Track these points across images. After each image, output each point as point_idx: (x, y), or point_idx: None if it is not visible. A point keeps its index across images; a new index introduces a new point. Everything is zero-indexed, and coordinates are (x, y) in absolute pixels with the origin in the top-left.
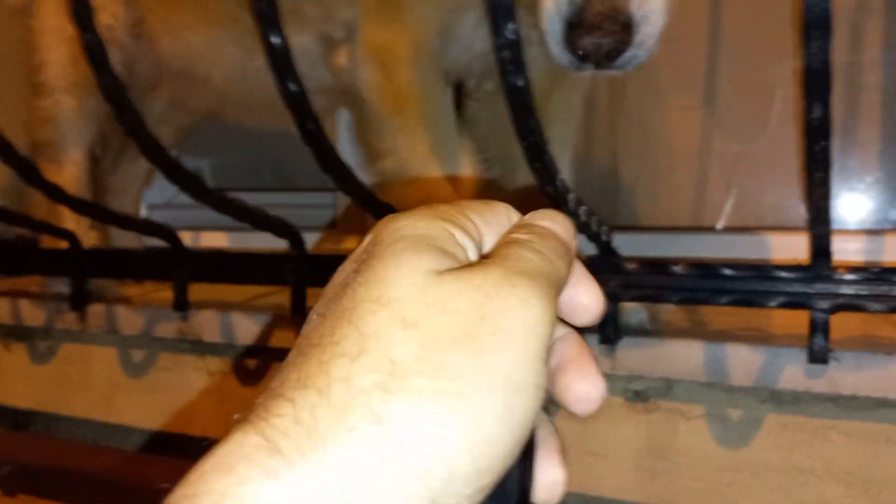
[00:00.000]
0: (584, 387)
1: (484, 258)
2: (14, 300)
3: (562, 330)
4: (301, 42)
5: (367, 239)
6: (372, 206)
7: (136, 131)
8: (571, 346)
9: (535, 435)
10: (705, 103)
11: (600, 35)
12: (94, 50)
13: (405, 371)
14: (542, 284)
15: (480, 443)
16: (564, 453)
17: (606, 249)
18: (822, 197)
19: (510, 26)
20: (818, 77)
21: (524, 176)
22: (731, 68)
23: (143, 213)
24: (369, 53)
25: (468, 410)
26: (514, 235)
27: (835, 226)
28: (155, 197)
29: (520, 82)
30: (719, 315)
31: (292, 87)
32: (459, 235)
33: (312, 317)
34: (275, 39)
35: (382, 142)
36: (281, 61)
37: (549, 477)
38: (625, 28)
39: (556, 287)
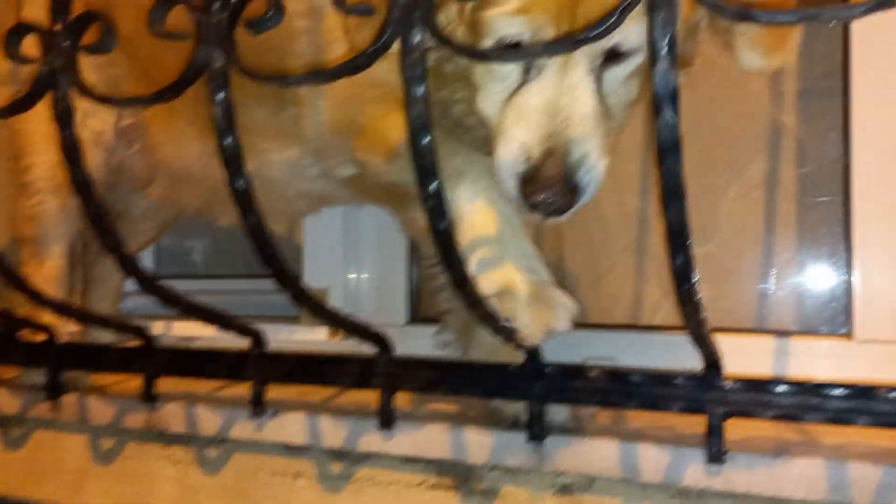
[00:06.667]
0: None
1: None
2: None
3: None
4: (293, 154)
5: None
6: (301, 299)
7: (115, 251)
8: None
9: None
10: (643, 205)
11: (550, 194)
12: (70, 150)
13: None
14: None
15: None
16: None
17: (532, 355)
18: (698, 325)
19: (434, 183)
20: (678, 233)
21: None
22: None
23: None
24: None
25: None
26: None
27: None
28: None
29: (442, 225)
30: (639, 412)
31: (240, 183)
32: None
33: None
34: (227, 140)
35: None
36: (232, 161)
37: None
38: (572, 191)
39: None
